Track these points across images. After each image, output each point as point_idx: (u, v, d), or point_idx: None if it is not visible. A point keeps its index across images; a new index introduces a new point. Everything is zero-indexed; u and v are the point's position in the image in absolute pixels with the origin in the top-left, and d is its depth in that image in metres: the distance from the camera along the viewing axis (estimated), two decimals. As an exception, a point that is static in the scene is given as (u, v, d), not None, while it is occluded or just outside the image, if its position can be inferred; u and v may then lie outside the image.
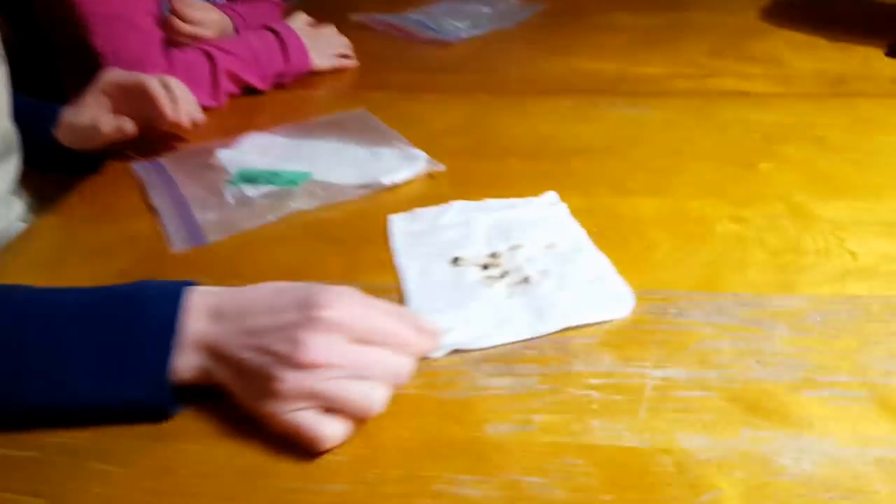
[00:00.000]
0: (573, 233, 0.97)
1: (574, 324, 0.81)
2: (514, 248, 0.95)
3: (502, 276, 0.90)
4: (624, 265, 0.92)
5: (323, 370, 0.56)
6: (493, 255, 0.93)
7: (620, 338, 0.81)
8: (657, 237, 0.99)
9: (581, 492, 0.60)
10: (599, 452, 0.65)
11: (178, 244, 0.96)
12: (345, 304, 0.58)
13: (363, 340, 0.58)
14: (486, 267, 0.92)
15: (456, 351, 0.77)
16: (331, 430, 0.57)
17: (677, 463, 0.63)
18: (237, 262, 0.93)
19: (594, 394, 0.73)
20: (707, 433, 0.67)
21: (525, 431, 0.67)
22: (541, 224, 1.00)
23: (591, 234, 0.97)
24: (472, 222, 1.00)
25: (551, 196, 1.06)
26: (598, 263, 0.91)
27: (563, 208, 1.03)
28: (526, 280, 0.88)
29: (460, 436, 0.65)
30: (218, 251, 0.95)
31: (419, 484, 0.60)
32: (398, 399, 0.64)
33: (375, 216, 1.03)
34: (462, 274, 0.91)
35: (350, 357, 0.57)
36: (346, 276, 0.91)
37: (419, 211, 1.03)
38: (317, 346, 0.55)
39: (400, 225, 1.01)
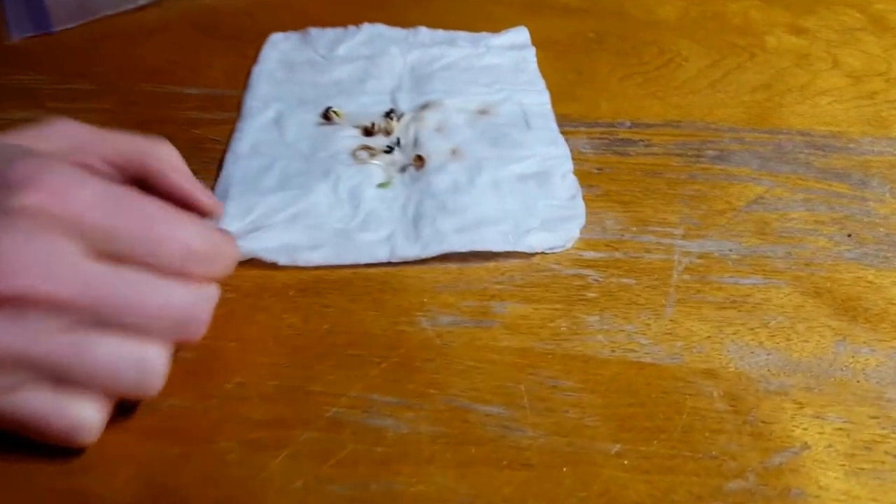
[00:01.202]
0: (531, 94, 0.72)
1: (472, 247, 0.55)
2: (426, 106, 0.69)
3: (389, 150, 0.65)
4: (636, 85, 0.72)
5: (41, 314, 0.31)
6: (389, 115, 0.67)
7: (632, 187, 0.61)
8: (683, 49, 0.78)
9: (560, 436, 0.42)
10: (597, 369, 0.47)
11: (15, 31, 0.77)
12: (71, 183, 0.32)
13: (113, 256, 0.33)
14: (368, 132, 0.67)
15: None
16: (80, 415, 0.34)
17: (728, 395, 0.44)
18: (89, 57, 0.74)
19: (591, 275, 0.54)
20: (774, 347, 0.48)
21: (480, 329, 0.49)
22: (485, 73, 0.74)
23: (567, 78, 0.74)
24: (384, 59, 0.76)
25: (519, 34, 0.80)
26: (548, 149, 0.65)
27: (529, 54, 0.77)
28: (420, 163, 0.63)
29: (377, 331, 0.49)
30: (67, 42, 0.76)
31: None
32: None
33: (282, 9, 0.82)
34: (328, 138, 0.66)
35: (91, 286, 0.32)
36: (231, 84, 0.72)
37: (313, 32, 0.80)
38: (21, 262, 0.30)
39: (278, 47, 0.79)
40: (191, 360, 0.45)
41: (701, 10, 0.82)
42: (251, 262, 0.54)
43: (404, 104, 0.68)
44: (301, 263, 0.54)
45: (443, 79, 0.72)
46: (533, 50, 0.76)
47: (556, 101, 0.68)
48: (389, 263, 0.54)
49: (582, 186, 0.59)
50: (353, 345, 0.49)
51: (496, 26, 0.78)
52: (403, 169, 0.62)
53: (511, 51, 0.76)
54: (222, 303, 0.43)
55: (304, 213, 0.57)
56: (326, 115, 0.66)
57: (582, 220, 0.56)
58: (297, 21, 0.79)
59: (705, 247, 0.53)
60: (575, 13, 0.81)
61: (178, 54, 0.75)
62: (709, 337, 0.47)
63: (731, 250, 0.53)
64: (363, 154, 0.63)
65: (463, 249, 0.55)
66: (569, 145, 0.63)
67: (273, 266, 0.53)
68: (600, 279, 0.51)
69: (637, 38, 0.77)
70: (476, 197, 0.58)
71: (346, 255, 0.54)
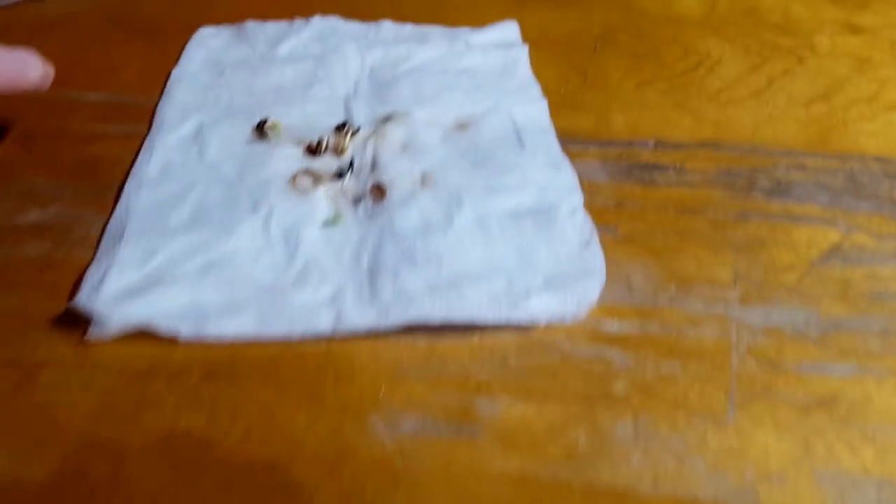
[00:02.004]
0: (524, 102, 0.59)
1: (450, 316, 0.41)
2: (389, 119, 0.56)
3: (340, 175, 0.52)
4: (658, 94, 0.60)
5: None
6: (341, 130, 0.55)
7: (664, 228, 0.48)
8: (714, 50, 0.66)
9: None
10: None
11: None
12: None
13: None
14: (313, 151, 0.54)
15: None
16: None
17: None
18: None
19: (617, 357, 0.40)
20: (886, 473, 0.34)
21: (459, 440, 0.36)
22: (465, 78, 0.62)
23: (564, 89, 0.61)
24: (337, 59, 0.64)
25: (507, 29, 0.68)
26: (549, 176, 0.52)
27: (520, 53, 0.64)
28: (379, 194, 0.50)
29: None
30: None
31: None
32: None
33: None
34: (261, 159, 0.53)
35: None
36: (144, 89, 0.59)
37: (251, 26, 0.68)
38: None
39: (206, 44, 0.66)
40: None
41: (730, 4, 0.68)
42: (142, 334, 0.39)
43: (361, 116, 0.56)
44: (210, 335, 0.40)
45: (411, 84, 0.59)
46: (525, 48, 0.64)
47: (556, 111, 0.56)
48: (334, 336, 0.41)
49: (597, 227, 0.46)
50: (276, 464, 0.34)
51: (479, 20, 0.67)
52: (357, 201, 0.49)
53: (498, 49, 0.64)
54: (93, 392, 0.35)
55: (221, 262, 0.44)
56: (260, 129, 0.54)
57: (600, 276, 0.43)
58: (233, 12, 0.69)
59: (772, 318, 0.39)
60: (575, 5, 0.69)
61: (83, 52, 0.64)
62: (792, 458, 0.33)
63: (807, 323, 0.39)
64: (305, 181, 0.50)
65: (436, 318, 0.40)
66: (576, 170, 0.50)
67: (171, 340, 0.40)
68: (630, 364, 0.37)
69: (654, 36, 0.65)
70: (454, 242, 0.45)
71: (273, 324, 0.41)
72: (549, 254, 0.44)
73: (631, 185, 0.50)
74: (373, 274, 0.43)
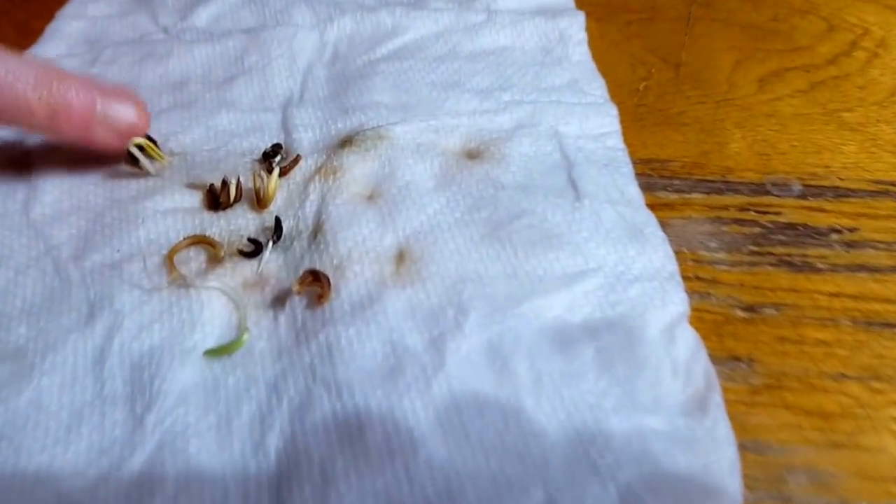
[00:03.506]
0: (579, 110, 0.38)
1: None
2: (352, 140, 0.36)
3: (253, 250, 0.31)
4: (800, 97, 0.40)
5: None
6: (267, 160, 0.35)
7: (825, 382, 0.28)
8: (877, 26, 0.45)
9: None
10: None
11: None
12: None
13: None
14: (215, 198, 0.34)
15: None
16: None
17: None
18: None
19: None
20: None
21: None
22: (484, 65, 0.41)
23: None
24: (279, 35, 0.43)
25: None
26: (625, 249, 0.31)
27: (573, 24, 0.43)
28: (320, 290, 0.29)
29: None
30: None
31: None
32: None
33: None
34: (124, 212, 0.33)
35: None
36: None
37: None
38: None
39: (86, 11, 0.46)
40: None
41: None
42: None
43: (306, 135, 0.37)
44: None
45: (393, 78, 0.40)
46: (581, 16, 0.44)
47: (629, 127, 0.38)
48: None
49: (716, 362, 0.28)
50: None
51: None
52: (280, 303, 0.29)
53: (537, 18, 0.43)
54: None
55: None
56: (131, 157, 0.34)
57: (734, 489, 0.21)
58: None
59: None
60: None
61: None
62: None
63: None
64: (191, 260, 0.28)
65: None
66: (669, 237, 0.32)
67: None
68: None
69: (778, 3, 0.41)
70: (450, 404, 0.26)
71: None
72: (630, 424, 0.24)
73: (769, 271, 0.30)
74: (284, 479, 0.23)
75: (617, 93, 0.39)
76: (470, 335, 0.26)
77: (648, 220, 0.31)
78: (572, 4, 0.44)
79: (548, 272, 0.29)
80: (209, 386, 0.26)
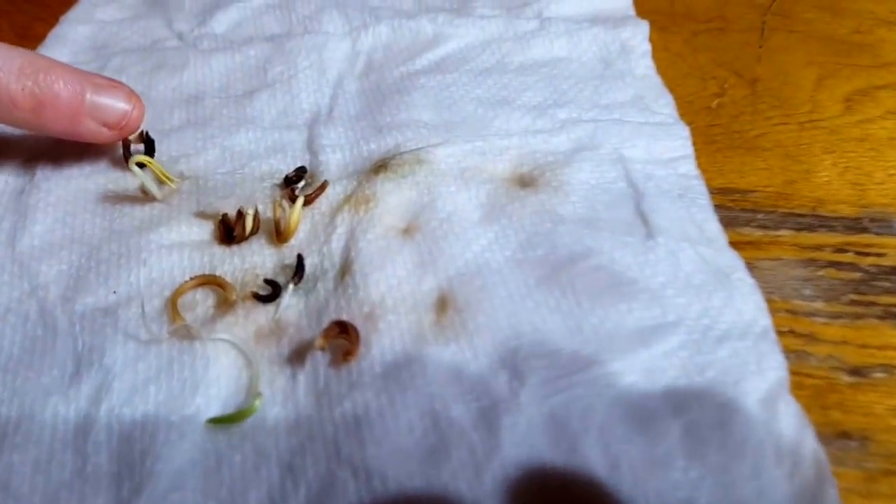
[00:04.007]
0: (647, 131, 0.33)
1: None
2: (386, 165, 0.31)
3: (271, 293, 0.27)
4: (890, 121, 0.35)
5: None
6: (290, 186, 0.31)
7: None
8: None
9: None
10: None
11: None
12: None
13: None
14: (229, 230, 0.29)
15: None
16: None
17: None
18: None
19: None
20: None
21: None
22: (536, 79, 0.36)
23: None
24: (307, 43, 0.38)
25: None
26: (700, 293, 0.26)
27: (637, 35, 0.39)
28: (347, 340, 0.25)
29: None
30: None
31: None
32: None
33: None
34: (124, 244, 0.29)
35: None
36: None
37: None
38: None
39: (93, 16, 0.42)
40: None
41: None
42: None
43: (334, 157, 0.32)
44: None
45: (434, 93, 0.35)
46: (644, 26, 0.40)
47: (703, 151, 0.34)
48: None
49: (826, 439, 0.24)
50: None
51: None
52: (299, 359, 0.24)
53: (595, 28, 0.39)
54: None
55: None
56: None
57: None
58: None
59: None
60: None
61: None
62: None
63: None
64: (198, 304, 0.26)
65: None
66: (758, 281, 0.27)
67: None
68: None
69: (860, 7, 0.37)
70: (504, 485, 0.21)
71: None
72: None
73: (875, 325, 0.27)
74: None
75: (686, 111, 0.34)
76: (528, 406, 0.22)
77: (734, 262, 0.27)
78: (633, 12, 0.39)
79: (619, 326, 0.24)
80: (211, 465, 0.21)
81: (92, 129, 0.32)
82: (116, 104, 0.32)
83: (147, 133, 0.31)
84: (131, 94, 0.33)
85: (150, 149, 0.31)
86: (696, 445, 0.21)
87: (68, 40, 0.39)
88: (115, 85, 0.33)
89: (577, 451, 0.21)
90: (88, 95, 0.31)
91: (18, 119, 0.30)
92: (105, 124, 0.32)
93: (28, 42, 0.39)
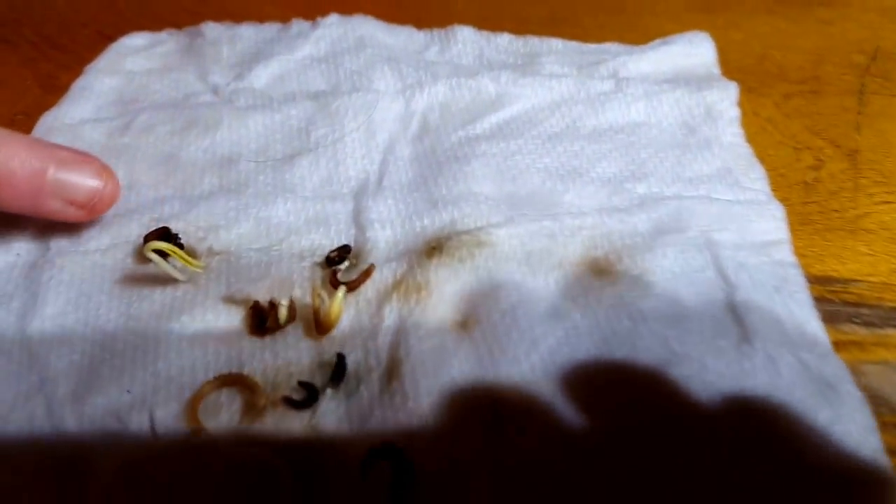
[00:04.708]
0: (737, 217, 0.29)
1: None
2: (439, 248, 0.28)
3: (307, 398, 0.24)
4: None
5: None
6: (333, 265, 0.28)
7: None
8: None
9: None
10: None
11: None
12: None
13: None
14: (262, 320, 0.26)
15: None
16: None
17: None
18: None
19: None
20: None
21: None
22: (612, 146, 0.33)
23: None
24: (357, 102, 0.35)
25: (696, 47, 0.39)
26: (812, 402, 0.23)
27: (724, 98, 0.35)
28: (394, 464, 0.22)
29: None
30: None
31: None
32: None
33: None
34: (139, 336, 0.26)
35: None
36: None
37: (211, 30, 0.42)
38: None
39: (121, 66, 0.40)
40: None
41: None
42: None
43: (385, 231, 0.29)
44: None
45: (497, 162, 0.32)
46: (733, 88, 0.36)
47: (799, 234, 0.31)
48: None
49: None
50: None
51: (640, 30, 0.41)
52: (339, 481, 0.22)
53: (678, 90, 0.36)
54: None
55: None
56: (161, 253, 0.27)
57: None
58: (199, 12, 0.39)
59: None
60: (810, 6, 0.38)
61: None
62: None
63: None
64: (222, 403, 0.23)
65: None
66: (862, 391, 0.24)
67: None
68: None
69: None
70: None
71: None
72: None
73: None
74: None
75: (778, 186, 0.31)
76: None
77: (840, 371, 0.23)
78: (718, 70, 0.36)
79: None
80: None
81: (57, 209, 0.30)
82: (84, 181, 0.30)
83: (168, 229, 0.29)
84: (102, 170, 0.31)
85: (171, 238, 0.29)
86: None
87: (94, 92, 0.36)
88: (83, 160, 0.31)
89: None
90: (51, 172, 0.29)
91: None
92: (72, 203, 0.30)
93: (53, 94, 0.37)
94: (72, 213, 0.30)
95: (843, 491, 0.20)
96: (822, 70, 0.39)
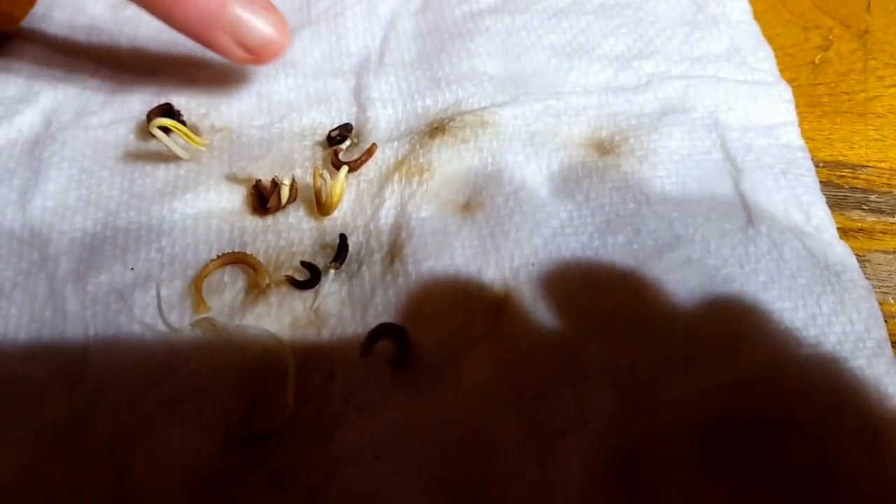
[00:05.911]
0: (741, 94, 0.29)
1: None
2: (441, 128, 0.27)
3: (310, 279, 0.24)
4: None
5: None
6: (334, 144, 0.27)
7: None
8: None
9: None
10: None
11: None
12: None
13: None
14: (263, 199, 0.26)
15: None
16: None
17: None
18: None
19: None
20: None
21: None
22: (615, 24, 0.31)
23: None
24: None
25: None
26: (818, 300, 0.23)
27: None
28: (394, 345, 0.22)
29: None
30: None
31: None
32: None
33: None
34: (136, 212, 0.26)
35: None
36: None
37: None
38: None
39: None
40: None
41: None
42: None
43: (387, 110, 0.29)
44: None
45: (501, 38, 0.31)
46: None
47: (806, 117, 0.30)
48: None
49: None
50: None
51: None
52: (338, 360, 0.23)
53: None
54: None
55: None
56: (165, 130, 0.27)
57: None
58: None
59: None
60: None
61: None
62: None
63: None
64: (226, 283, 0.23)
65: None
66: (869, 279, 0.25)
67: None
68: None
69: None
70: None
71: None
72: None
73: None
74: None
75: (786, 66, 0.30)
76: (599, 442, 0.19)
77: (845, 258, 0.23)
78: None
79: (710, 338, 0.21)
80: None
81: (225, 45, 0.29)
82: (261, 27, 0.29)
83: (171, 106, 0.28)
84: (280, 22, 0.30)
85: (174, 115, 0.28)
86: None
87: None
88: (267, 6, 0.30)
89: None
90: (233, 7, 0.28)
91: (153, 4, 0.27)
92: (241, 44, 0.29)
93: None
94: (237, 54, 0.29)
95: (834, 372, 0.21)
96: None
